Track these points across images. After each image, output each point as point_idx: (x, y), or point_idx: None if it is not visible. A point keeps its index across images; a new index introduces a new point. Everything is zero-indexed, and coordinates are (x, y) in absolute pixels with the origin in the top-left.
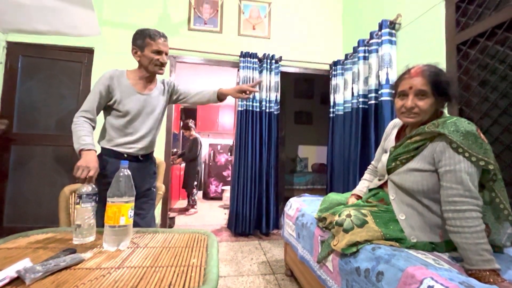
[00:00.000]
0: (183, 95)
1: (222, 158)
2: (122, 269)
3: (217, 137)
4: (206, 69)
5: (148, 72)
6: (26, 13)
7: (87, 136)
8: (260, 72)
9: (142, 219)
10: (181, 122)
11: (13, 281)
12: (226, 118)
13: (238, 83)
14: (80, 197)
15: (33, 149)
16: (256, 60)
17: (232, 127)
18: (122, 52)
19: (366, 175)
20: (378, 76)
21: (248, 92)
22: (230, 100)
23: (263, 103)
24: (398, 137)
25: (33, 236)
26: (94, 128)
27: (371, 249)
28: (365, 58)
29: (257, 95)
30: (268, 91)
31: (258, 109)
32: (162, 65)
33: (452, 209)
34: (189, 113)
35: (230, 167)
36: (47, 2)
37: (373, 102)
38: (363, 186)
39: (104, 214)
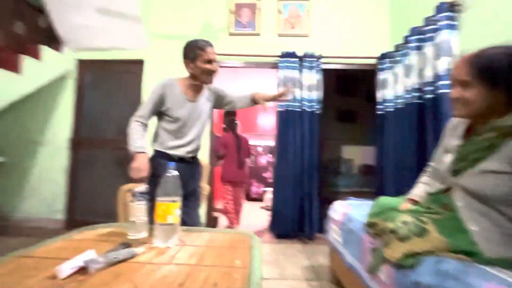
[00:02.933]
0: (228, 100)
1: (263, 160)
2: (170, 265)
3: (258, 138)
4: (246, 72)
5: (199, 81)
6: (92, 33)
7: (140, 139)
8: (300, 71)
9: (188, 217)
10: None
11: (80, 270)
12: (266, 119)
13: (278, 84)
14: (133, 195)
15: (98, 152)
16: (296, 59)
17: (273, 128)
18: (168, 61)
19: (424, 178)
20: (435, 67)
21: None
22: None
23: (304, 102)
24: (466, 135)
25: (99, 230)
26: (146, 131)
27: (435, 262)
28: (418, 48)
29: (297, 94)
30: (310, 89)
31: (298, 109)
32: (213, 73)
33: None
34: (228, 115)
35: (271, 169)
36: (107, 21)
37: (430, 96)
38: (420, 190)
39: (154, 212)
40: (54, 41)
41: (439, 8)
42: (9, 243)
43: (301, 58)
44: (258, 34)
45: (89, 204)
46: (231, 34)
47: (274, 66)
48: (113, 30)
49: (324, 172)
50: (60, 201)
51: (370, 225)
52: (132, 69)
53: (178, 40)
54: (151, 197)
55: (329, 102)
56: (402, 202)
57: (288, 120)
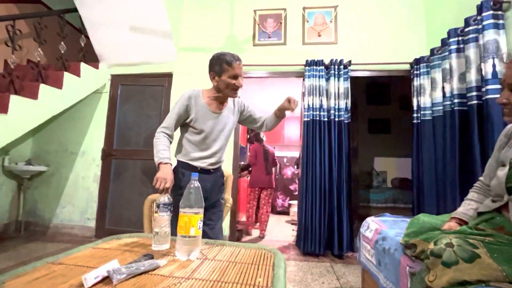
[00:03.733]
0: (250, 117)
1: (289, 171)
2: (192, 280)
3: (283, 150)
4: (271, 82)
5: (224, 94)
6: (124, 49)
7: (165, 150)
8: (327, 79)
9: (210, 229)
10: (248, 136)
11: (104, 279)
12: (292, 129)
13: (303, 93)
14: (158, 206)
15: (127, 162)
16: (322, 67)
17: (298, 138)
18: (195, 73)
19: (473, 194)
20: (480, 70)
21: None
22: (295, 110)
23: (332, 111)
24: None
25: (123, 239)
26: (171, 142)
27: None
28: (459, 50)
29: (324, 103)
30: (337, 98)
31: (326, 119)
32: (238, 88)
33: None
34: None
35: (297, 181)
36: (138, 37)
37: (474, 102)
38: (468, 208)
39: (177, 223)
40: (91, 59)
41: (482, 7)
42: (47, 248)
43: (327, 66)
44: (283, 44)
45: (118, 212)
46: (256, 45)
47: (300, 75)
48: (144, 45)
49: (355, 186)
50: (92, 209)
51: (409, 245)
52: (161, 82)
53: (204, 53)
54: (174, 208)
55: (360, 112)
56: (443, 221)
57: (315, 130)
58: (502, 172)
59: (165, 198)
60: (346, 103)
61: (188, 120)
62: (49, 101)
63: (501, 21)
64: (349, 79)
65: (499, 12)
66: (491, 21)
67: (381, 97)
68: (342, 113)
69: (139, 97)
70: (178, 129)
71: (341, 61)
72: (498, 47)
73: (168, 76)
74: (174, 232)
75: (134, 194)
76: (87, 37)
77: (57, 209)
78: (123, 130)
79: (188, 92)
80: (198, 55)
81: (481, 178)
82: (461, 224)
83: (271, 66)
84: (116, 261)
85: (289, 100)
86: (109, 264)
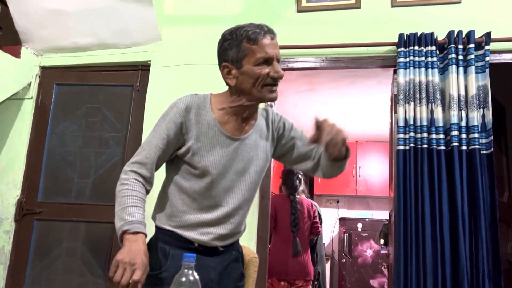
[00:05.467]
0: (296, 148)
1: (368, 250)
2: None
3: (355, 206)
4: (331, 77)
5: (253, 100)
6: (66, 23)
7: (137, 207)
8: (444, 69)
9: None
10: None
11: None
12: (373, 167)
13: (395, 98)
14: None
15: (61, 226)
16: (433, 47)
17: (387, 184)
18: (192, 64)
19: None
20: None
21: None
22: (378, 129)
23: (454, 132)
24: None
25: None
26: (149, 191)
27: None
28: None
29: (438, 116)
30: (464, 107)
31: (443, 146)
32: (276, 82)
33: None
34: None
35: (385, 269)
36: (93, 4)
37: None
38: None
39: None
40: (8, 40)
41: None
42: None
43: (443, 45)
44: (355, 6)
45: None
46: (302, 10)
47: (389, 63)
48: (101, 16)
49: (509, 282)
50: None
51: None
52: (128, 78)
53: (207, 26)
54: None
55: None
56: None
57: (421, 168)
58: None
59: None
60: (484, 116)
61: (182, 151)
62: None
63: None
64: (487, 70)
65: None
66: None
67: None
68: (476, 135)
69: (88, 107)
70: (162, 168)
71: (470, 34)
72: None
73: (142, 68)
74: None
75: (71, 285)
76: (3, 3)
77: None
78: (57, 167)
79: (185, 100)
80: (195, 31)
81: None
82: None
83: (331, 49)
84: None
85: (318, 127)
86: None
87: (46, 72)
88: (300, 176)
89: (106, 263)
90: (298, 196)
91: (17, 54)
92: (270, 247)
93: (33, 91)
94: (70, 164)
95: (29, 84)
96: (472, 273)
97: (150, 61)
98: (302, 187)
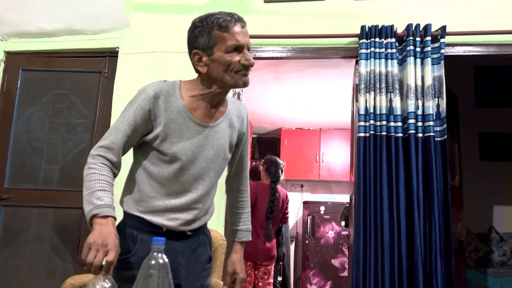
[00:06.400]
0: (235, 156)
1: (330, 232)
2: None
3: (318, 190)
4: (297, 67)
5: (224, 86)
6: (32, 7)
7: (106, 191)
8: (402, 60)
9: None
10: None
11: None
12: (335, 152)
13: (357, 87)
14: None
15: (28, 212)
16: (393, 39)
17: (347, 169)
18: (161, 51)
19: None
20: None
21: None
22: (340, 117)
23: (411, 121)
24: None
25: None
26: (116, 175)
27: None
28: None
29: (397, 105)
30: (420, 96)
31: (400, 133)
32: (247, 69)
33: None
34: (265, 145)
35: (345, 249)
36: None
37: None
38: None
39: None
40: None
41: None
42: None
43: (402, 38)
44: None
45: None
46: (268, 1)
47: (351, 53)
48: (69, 2)
49: (458, 261)
50: None
51: None
52: (96, 65)
53: (177, 14)
54: None
55: (464, 121)
56: None
57: (379, 154)
58: None
59: (105, 284)
60: (438, 106)
61: (150, 137)
62: None
63: None
64: (442, 62)
65: None
66: None
67: (505, 95)
68: (431, 123)
69: (55, 93)
70: (130, 152)
71: (426, 27)
72: None
73: (110, 55)
74: None
75: (39, 273)
76: None
77: None
78: (24, 153)
79: (154, 87)
80: (164, 18)
81: None
82: None
83: (297, 39)
84: None
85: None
86: None
87: (11, 57)
88: (283, 167)
89: (75, 249)
90: (278, 186)
91: None
92: None
93: None
94: (37, 150)
95: None
96: (425, 252)
97: (118, 47)
98: (282, 177)
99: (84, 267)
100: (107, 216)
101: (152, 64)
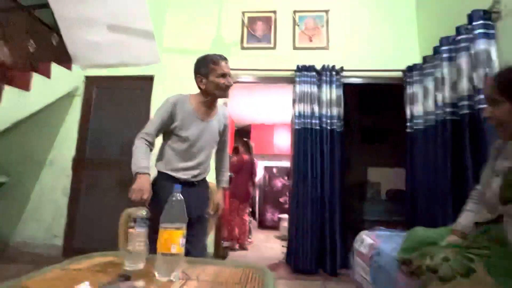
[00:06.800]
0: (219, 145)
1: (279, 183)
2: None
3: (273, 160)
4: (260, 88)
5: (215, 97)
6: (101, 50)
7: (144, 159)
8: (319, 86)
9: (193, 247)
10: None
11: None
12: (282, 138)
13: (294, 100)
14: (134, 221)
15: (101, 173)
16: (314, 73)
17: (289, 148)
18: (179, 76)
19: (471, 205)
20: (471, 79)
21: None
22: (285, 117)
23: (324, 120)
24: None
25: (96, 259)
26: (151, 150)
27: None
28: (450, 59)
29: (316, 111)
30: (329, 106)
31: (318, 127)
32: (228, 88)
33: None
34: (242, 134)
35: (287, 193)
36: (117, 38)
37: (466, 111)
38: (468, 220)
39: (155, 240)
40: (64, 59)
41: (473, 16)
42: (5, 271)
43: (319, 72)
44: (273, 48)
45: (89, 229)
46: (244, 48)
47: (291, 81)
48: (123, 45)
49: (348, 198)
50: (60, 225)
51: (405, 261)
52: (141, 85)
53: (189, 55)
54: (152, 223)
55: (353, 120)
56: (441, 234)
57: (306, 138)
58: (496, 183)
59: (142, 212)
60: (339, 111)
61: (172, 127)
62: (14, 104)
63: (491, 31)
64: (341, 86)
65: (489, 22)
66: (482, 30)
67: (375, 105)
68: (335, 121)
69: (116, 102)
70: (160, 136)
71: (333, 67)
72: (489, 57)
73: (149, 79)
74: (152, 249)
75: (109, 208)
76: (59, 35)
77: (18, 225)
78: (98, 137)
79: (174, 97)
80: (182, 57)
81: (477, 186)
82: (463, 237)
83: (260, 71)
84: (87, 283)
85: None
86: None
87: (89, 80)
88: (252, 146)
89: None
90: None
91: (69, 68)
92: (237, 182)
93: (81, 91)
94: (106, 136)
95: (78, 87)
96: (331, 193)
97: (154, 75)
98: (252, 152)
99: (131, 203)
100: (144, 173)
101: (173, 85)
